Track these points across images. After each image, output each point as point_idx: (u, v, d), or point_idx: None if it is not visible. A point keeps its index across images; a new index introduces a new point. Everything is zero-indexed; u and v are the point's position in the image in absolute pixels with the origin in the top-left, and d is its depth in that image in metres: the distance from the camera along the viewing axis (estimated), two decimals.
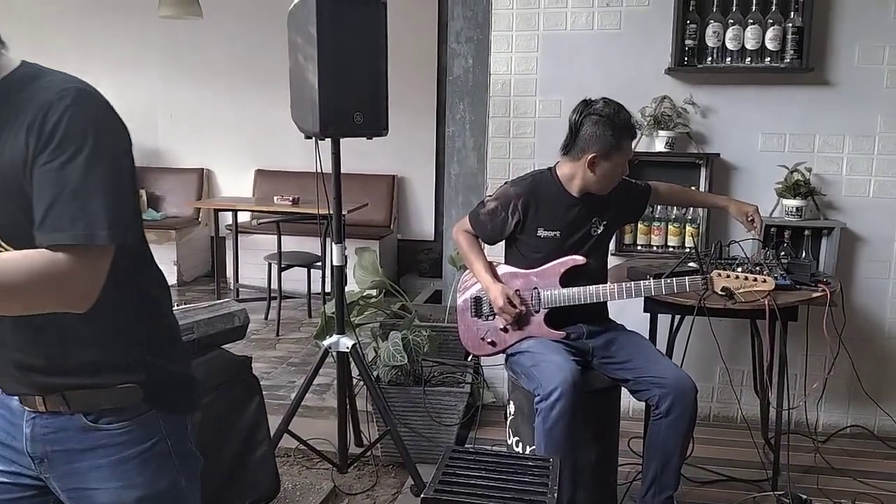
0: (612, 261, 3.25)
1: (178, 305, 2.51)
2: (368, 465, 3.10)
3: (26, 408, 1.27)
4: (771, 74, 3.17)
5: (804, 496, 2.63)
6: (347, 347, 2.80)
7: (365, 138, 2.70)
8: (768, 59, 3.13)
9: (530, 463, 1.84)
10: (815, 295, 2.66)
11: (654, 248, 3.34)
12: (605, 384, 2.56)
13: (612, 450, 2.67)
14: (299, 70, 2.58)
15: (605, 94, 2.54)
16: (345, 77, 2.54)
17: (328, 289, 5.11)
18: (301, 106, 2.61)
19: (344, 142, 2.72)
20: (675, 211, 3.30)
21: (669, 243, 3.32)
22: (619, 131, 2.42)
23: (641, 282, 2.49)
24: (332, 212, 2.77)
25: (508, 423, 2.70)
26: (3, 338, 1.23)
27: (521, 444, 2.61)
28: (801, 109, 3.22)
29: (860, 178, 3.22)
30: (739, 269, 2.39)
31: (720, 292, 2.38)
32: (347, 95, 2.55)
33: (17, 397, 1.28)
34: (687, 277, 2.45)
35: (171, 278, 6.12)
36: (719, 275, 2.38)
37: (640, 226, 3.33)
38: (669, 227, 3.31)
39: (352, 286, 3.57)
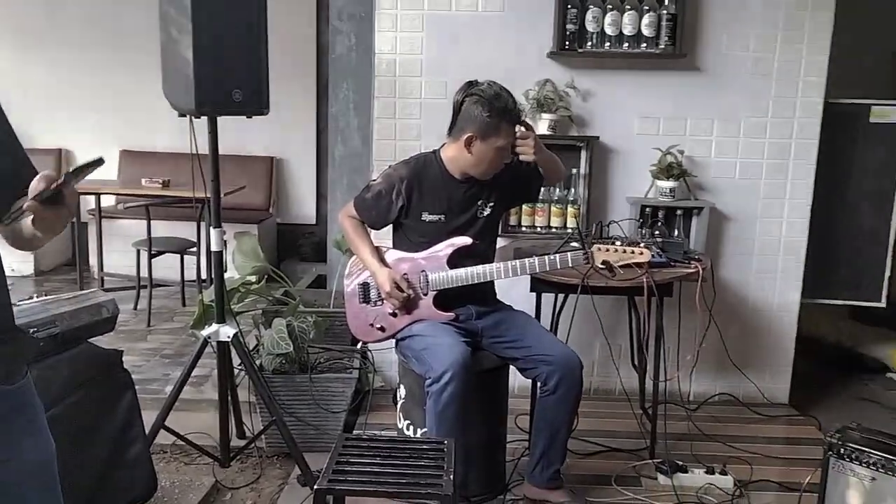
0: (499, 242, 3.27)
1: (36, 297, 2.31)
2: (252, 457, 2.99)
3: None
4: (646, 60, 3.29)
5: (680, 462, 2.77)
6: (228, 337, 2.67)
7: (243, 117, 2.56)
8: (644, 44, 3.24)
9: (425, 446, 1.82)
10: (688, 271, 2.79)
11: (539, 229, 3.40)
12: (494, 364, 2.58)
13: (502, 428, 2.70)
14: (172, 44, 2.41)
15: (490, 76, 2.53)
16: (222, 52, 2.39)
17: (204, 276, 4.89)
18: (174, 82, 2.44)
19: (219, 121, 2.58)
20: (557, 192, 3.37)
21: (553, 224, 3.38)
22: (496, 113, 2.40)
23: (527, 259, 2.51)
24: (209, 195, 2.63)
25: (399, 406, 2.68)
26: None
27: (412, 428, 2.59)
28: (674, 94, 3.36)
29: (727, 161, 3.41)
30: (618, 243, 2.47)
31: (601, 265, 2.45)
32: (225, 71, 2.41)
33: None
34: (570, 252, 2.50)
35: (28, 267, 5.66)
36: (599, 249, 2.45)
37: (524, 207, 3.37)
38: (552, 208, 3.38)
39: (231, 272, 3.42)
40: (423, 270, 2.55)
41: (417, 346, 2.49)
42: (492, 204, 2.61)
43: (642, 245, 2.45)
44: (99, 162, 1.17)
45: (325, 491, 1.59)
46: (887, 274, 3.59)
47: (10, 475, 1.25)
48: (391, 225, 2.64)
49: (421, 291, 2.55)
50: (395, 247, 2.65)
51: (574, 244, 2.89)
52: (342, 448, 1.77)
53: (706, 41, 3.31)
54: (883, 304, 3.64)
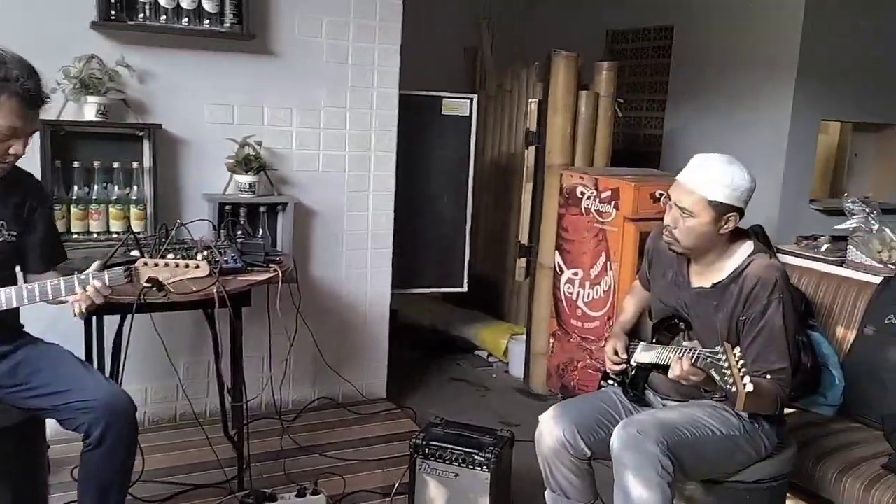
0: None
1: None
2: None
3: None
4: (211, 39, 2.90)
5: (268, 491, 2.48)
6: None
7: None
8: (207, 21, 2.86)
9: None
10: (265, 277, 2.51)
11: (95, 236, 2.81)
12: (18, 419, 2.00)
13: (39, 493, 2.14)
14: None
15: (18, 46, 1.92)
16: None
17: None
18: None
19: None
20: (115, 190, 2.83)
21: (112, 228, 2.83)
22: None
23: (44, 283, 1.94)
24: None
25: None
26: None
27: None
28: (248, 80, 3.04)
29: (309, 153, 3.21)
30: (171, 256, 2.05)
31: (147, 284, 1.99)
32: None
33: None
34: (106, 272, 2.00)
35: None
36: (146, 264, 1.99)
37: (73, 210, 2.77)
38: (111, 209, 2.82)
39: None
40: None
41: None
42: (14, 233, 2.01)
43: (199, 258, 2.07)
44: None
45: None
46: (467, 259, 3.77)
47: None
48: None
49: None
50: None
51: (135, 252, 2.42)
52: None
53: (278, 23, 3.05)
54: (465, 288, 3.82)
